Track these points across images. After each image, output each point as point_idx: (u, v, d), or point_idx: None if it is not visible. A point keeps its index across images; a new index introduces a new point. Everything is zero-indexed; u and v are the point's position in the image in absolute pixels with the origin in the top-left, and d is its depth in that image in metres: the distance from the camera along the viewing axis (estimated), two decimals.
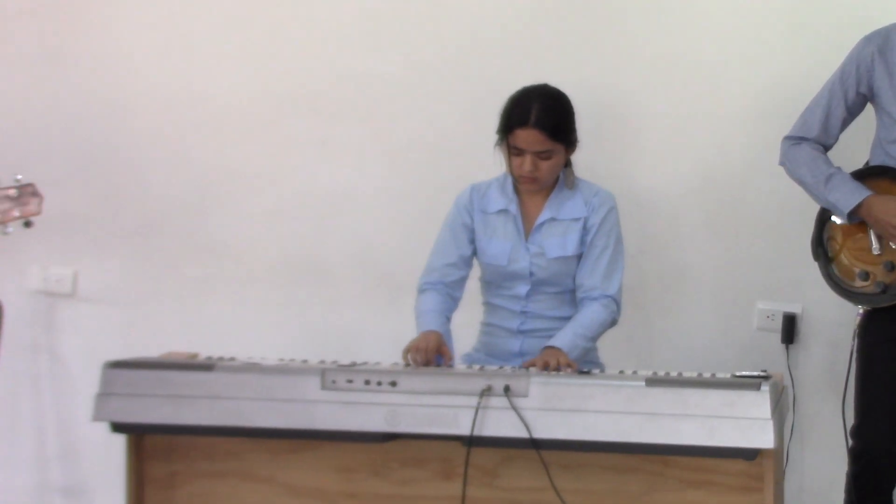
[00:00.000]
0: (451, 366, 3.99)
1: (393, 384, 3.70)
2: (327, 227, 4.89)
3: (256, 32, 4.89)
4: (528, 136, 4.10)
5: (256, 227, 4.91)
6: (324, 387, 3.73)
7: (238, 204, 4.92)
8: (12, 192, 3.89)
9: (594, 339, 4.17)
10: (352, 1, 4.86)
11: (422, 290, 4.26)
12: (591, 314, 4.14)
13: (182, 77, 4.92)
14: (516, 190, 4.25)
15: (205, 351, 4.14)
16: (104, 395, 3.83)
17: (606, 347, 4.32)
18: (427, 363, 3.96)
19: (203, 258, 4.92)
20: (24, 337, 4.96)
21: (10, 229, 3.89)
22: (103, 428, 3.86)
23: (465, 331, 4.29)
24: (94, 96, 4.94)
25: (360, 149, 4.87)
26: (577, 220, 4.21)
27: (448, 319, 4.21)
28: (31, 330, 4.99)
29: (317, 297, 4.88)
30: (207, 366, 3.82)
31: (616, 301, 4.18)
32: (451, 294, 4.25)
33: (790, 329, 4.70)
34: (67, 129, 4.96)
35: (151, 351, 4.24)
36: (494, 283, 4.28)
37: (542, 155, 4.12)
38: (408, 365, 3.95)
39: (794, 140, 4.24)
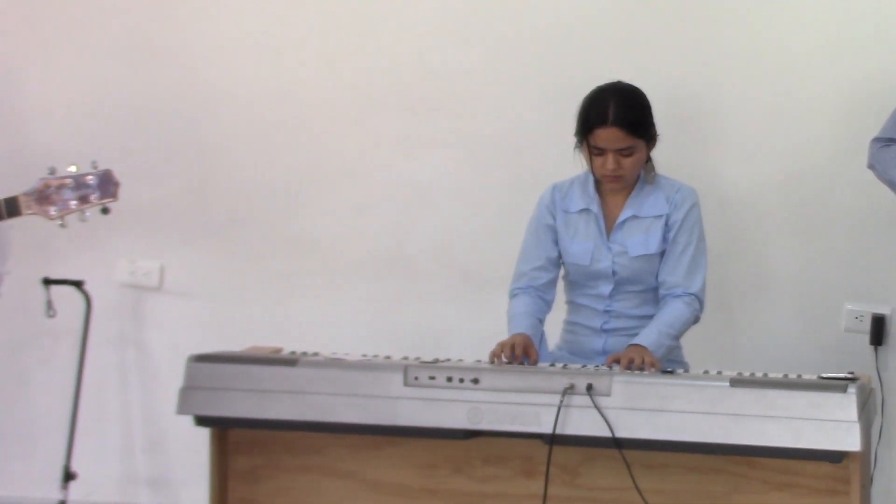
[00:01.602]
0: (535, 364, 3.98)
1: (475, 381, 3.70)
2: (412, 222, 4.89)
3: (343, 28, 4.90)
4: (608, 135, 4.08)
5: (342, 223, 4.92)
6: (406, 383, 3.74)
7: (324, 199, 4.94)
8: (90, 178, 3.90)
9: (678, 336, 4.14)
10: None
11: (513, 296, 4.25)
12: (674, 312, 4.11)
13: (270, 72, 4.94)
14: (597, 189, 4.23)
15: (289, 345, 4.16)
16: (188, 389, 3.86)
17: (690, 347, 4.29)
18: (511, 363, 3.94)
19: (289, 253, 4.94)
20: (111, 329, 5.01)
21: (88, 215, 3.90)
22: (188, 421, 3.89)
23: (547, 328, 4.27)
24: (183, 90, 4.97)
25: (445, 144, 4.87)
26: (658, 217, 4.18)
27: (540, 321, 4.19)
28: (119, 322, 5.03)
29: (401, 292, 4.88)
30: (291, 360, 3.84)
31: (699, 299, 4.15)
32: (542, 297, 4.23)
33: (879, 331, 4.63)
34: (157, 123, 4.99)
35: (236, 345, 4.28)
36: (578, 282, 4.26)
37: (624, 152, 4.10)
38: (492, 362, 3.95)
39: (884, 142, 4.16)
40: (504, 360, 3.93)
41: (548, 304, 4.25)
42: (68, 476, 4.77)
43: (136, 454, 5.05)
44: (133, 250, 5.01)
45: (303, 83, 4.92)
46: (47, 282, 4.76)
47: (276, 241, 4.95)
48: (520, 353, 3.95)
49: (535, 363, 3.95)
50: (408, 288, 4.88)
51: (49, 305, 4.73)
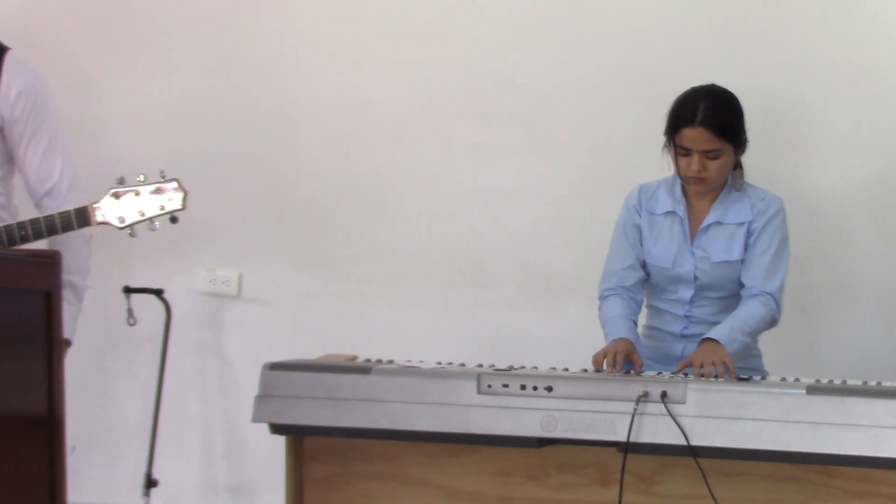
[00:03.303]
0: (640, 373, 3.95)
1: (549, 389, 3.69)
2: (489, 229, 4.88)
3: (418, 36, 4.91)
4: (694, 135, 4.05)
5: (418, 230, 4.93)
6: (480, 391, 3.73)
7: (401, 206, 4.94)
8: (157, 187, 3.96)
9: (753, 334, 4.09)
10: (514, 2, 4.84)
11: (603, 298, 4.23)
12: (749, 310, 4.07)
13: (346, 81, 4.95)
14: (684, 192, 4.20)
15: (365, 353, 4.17)
16: (264, 397, 3.88)
17: (769, 353, 4.24)
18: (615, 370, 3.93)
19: (365, 260, 4.96)
20: (191, 337, 5.05)
21: (156, 225, 3.96)
22: (266, 428, 3.92)
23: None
24: (259, 100, 5.00)
25: (522, 151, 4.86)
26: (742, 224, 4.14)
27: (635, 324, 4.17)
28: (198, 330, 5.07)
29: (477, 300, 4.88)
30: (365, 368, 3.85)
31: (775, 299, 4.10)
32: (633, 297, 4.21)
33: None
34: (235, 133, 5.03)
35: (314, 352, 4.29)
36: (659, 285, 4.23)
37: (710, 154, 4.06)
38: (598, 371, 3.94)
39: None
40: (607, 367, 3.92)
41: (638, 305, 4.23)
42: (150, 483, 4.81)
43: (216, 461, 5.09)
44: (212, 259, 5.05)
45: (379, 92, 4.93)
46: (128, 290, 4.81)
47: (352, 249, 4.96)
48: (622, 360, 3.94)
49: (640, 370, 3.94)
50: (484, 295, 4.88)
51: (130, 314, 4.78)
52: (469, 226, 4.90)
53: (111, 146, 5.06)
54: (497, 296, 4.87)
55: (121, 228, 3.95)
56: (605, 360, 3.94)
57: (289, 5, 4.99)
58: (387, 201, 4.95)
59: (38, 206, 4.24)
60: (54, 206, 4.11)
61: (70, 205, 4.05)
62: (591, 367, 3.96)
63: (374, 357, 4.10)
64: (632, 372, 3.93)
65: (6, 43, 4.26)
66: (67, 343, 4.18)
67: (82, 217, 3.93)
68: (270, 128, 5.01)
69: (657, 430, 3.59)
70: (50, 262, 3.53)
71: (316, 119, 4.98)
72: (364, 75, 4.95)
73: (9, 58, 4.21)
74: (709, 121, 4.04)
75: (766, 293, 4.09)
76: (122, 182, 3.94)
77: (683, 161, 4.10)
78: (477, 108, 4.88)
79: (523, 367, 3.93)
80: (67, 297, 4.21)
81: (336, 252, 4.98)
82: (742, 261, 4.14)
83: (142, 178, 3.96)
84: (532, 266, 4.86)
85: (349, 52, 4.95)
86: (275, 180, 5.01)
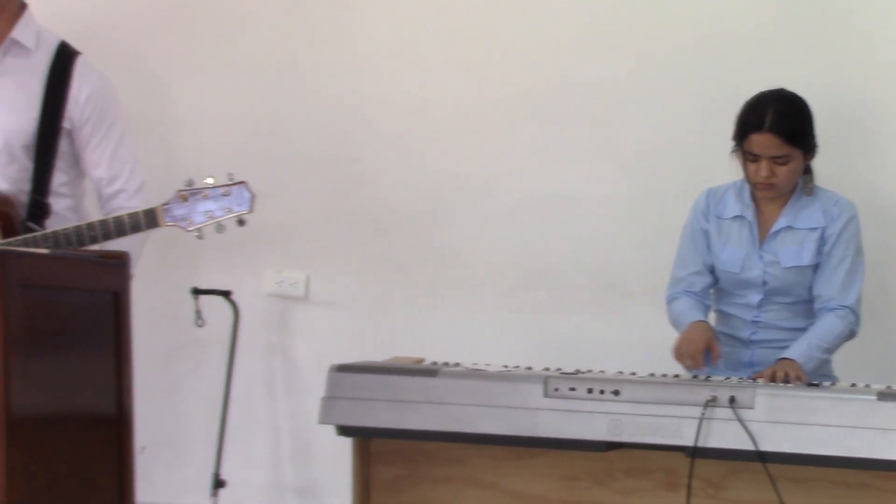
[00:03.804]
0: (717, 365, 3.96)
1: (616, 393, 3.69)
2: (556, 233, 4.87)
3: (486, 38, 4.89)
4: (763, 141, 4.02)
5: (484, 233, 4.92)
6: (546, 394, 3.73)
7: (467, 209, 4.94)
8: (226, 189, 3.98)
9: (830, 350, 4.06)
10: (582, 4, 4.83)
11: (671, 300, 4.23)
12: (827, 325, 4.04)
13: (412, 84, 4.96)
14: (753, 197, 4.17)
15: (431, 355, 4.17)
16: (331, 399, 3.90)
17: (839, 358, 4.20)
18: (697, 362, 3.96)
19: (431, 263, 4.95)
20: (259, 339, 5.07)
21: (225, 228, 3.99)
22: (333, 429, 3.93)
23: None
24: (327, 102, 5.01)
25: (588, 154, 4.84)
26: (814, 229, 4.11)
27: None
28: (266, 332, 5.09)
29: (544, 303, 4.86)
30: (431, 371, 3.86)
31: (854, 312, 4.07)
32: (701, 301, 4.21)
33: None
34: (302, 135, 5.04)
35: (380, 355, 4.29)
36: (727, 290, 4.21)
37: (779, 160, 4.04)
38: (689, 368, 3.96)
39: None
40: (689, 363, 3.95)
41: (707, 309, 4.22)
42: (218, 483, 4.83)
43: (283, 462, 5.10)
44: (279, 261, 5.06)
45: (445, 95, 4.93)
46: (196, 292, 4.84)
47: (419, 252, 4.96)
48: (702, 348, 3.95)
49: (717, 358, 3.93)
50: (550, 299, 4.86)
51: (198, 315, 4.80)
52: (536, 229, 4.88)
53: (180, 147, 5.09)
54: (564, 300, 4.85)
55: (188, 231, 3.98)
56: (686, 352, 3.93)
57: (357, 6, 5.00)
58: (454, 204, 4.95)
59: (104, 207, 4.31)
60: (122, 208, 4.17)
61: (137, 206, 4.10)
62: (658, 372, 3.94)
63: (439, 360, 4.11)
64: (707, 365, 3.92)
65: (77, 45, 4.33)
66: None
67: (150, 219, 3.97)
68: (337, 130, 5.02)
69: (725, 434, 3.57)
70: (118, 263, 3.57)
71: (384, 121, 4.99)
72: (431, 77, 4.95)
73: (79, 62, 4.30)
74: (777, 127, 4.01)
75: (845, 307, 4.06)
76: (190, 184, 3.97)
77: (752, 167, 4.07)
78: (544, 110, 4.86)
79: (590, 371, 3.92)
80: None
81: (402, 255, 4.97)
82: (813, 266, 4.11)
83: (210, 180, 3.98)
84: (599, 270, 4.84)
85: (416, 54, 4.95)
86: (342, 182, 5.02)
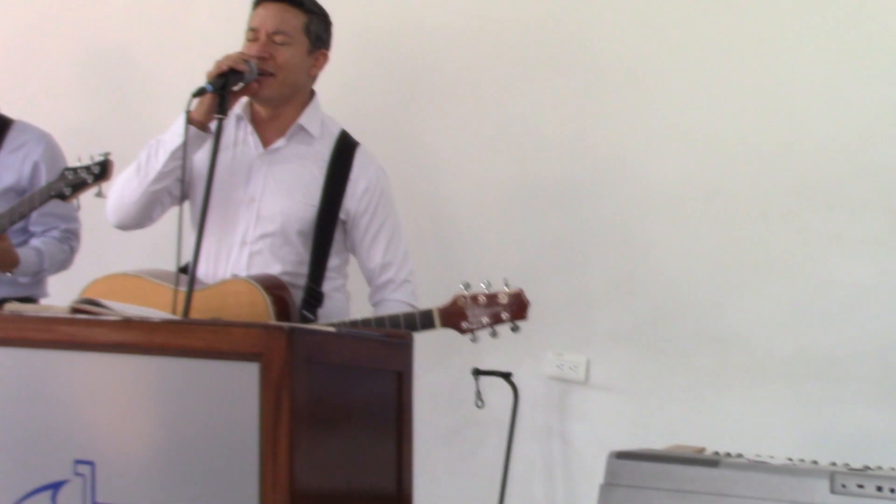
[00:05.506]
0: None
1: None
2: (845, 323, 4.71)
3: (778, 123, 4.81)
4: None
5: (771, 320, 4.80)
6: (833, 490, 3.59)
7: (753, 295, 4.83)
8: (502, 296, 4.10)
9: None
10: (877, 86, 4.69)
11: None
12: None
13: (697, 168, 4.89)
14: None
15: (711, 445, 4.08)
16: (609, 486, 3.84)
17: None
18: None
19: (715, 350, 4.85)
20: (537, 421, 5.05)
21: (498, 333, 4.11)
22: None
23: None
24: (615, 181, 4.99)
25: (882, 242, 4.68)
26: None
27: None
28: (545, 414, 5.07)
29: (831, 395, 4.70)
30: (713, 462, 3.76)
31: None
32: None
33: None
34: (588, 214, 5.04)
35: (660, 442, 4.23)
36: None
37: None
38: None
39: None
40: None
41: None
42: None
43: None
44: (560, 343, 5.06)
45: (731, 178, 4.85)
46: (477, 373, 4.88)
47: (702, 338, 4.87)
48: None
49: None
50: (838, 390, 4.69)
51: (478, 396, 4.84)
52: (823, 318, 4.73)
53: (458, 231, 5.18)
54: (852, 391, 4.68)
55: (462, 333, 4.08)
56: None
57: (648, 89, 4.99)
58: (738, 290, 4.84)
59: (373, 296, 4.42)
60: (385, 300, 4.36)
61: (401, 297, 4.31)
62: None
63: (721, 449, 4.02)
64: None
65: (354, 134, 4.45)
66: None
67: (426, 319, 4.10)
68: (622, 212, 4.99)
69: None
70: (403, 343, 3.61)
71: (667, 204, 4.93)
72: (715, 161, 4.87)
73: (359, 153, 4.40)
74: None
75: None
76: (467, 287, 4.09)
77: None
78: (833, 196, 4.74)
79: (880, 468, 3.77)
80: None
81: (685, 340, 4.89)
82: None
83: (484, 285, 4.09)
84: (890, 363, 4.66)
85: (699, 138, 4.89)
86: (625, 265, 4.98)
